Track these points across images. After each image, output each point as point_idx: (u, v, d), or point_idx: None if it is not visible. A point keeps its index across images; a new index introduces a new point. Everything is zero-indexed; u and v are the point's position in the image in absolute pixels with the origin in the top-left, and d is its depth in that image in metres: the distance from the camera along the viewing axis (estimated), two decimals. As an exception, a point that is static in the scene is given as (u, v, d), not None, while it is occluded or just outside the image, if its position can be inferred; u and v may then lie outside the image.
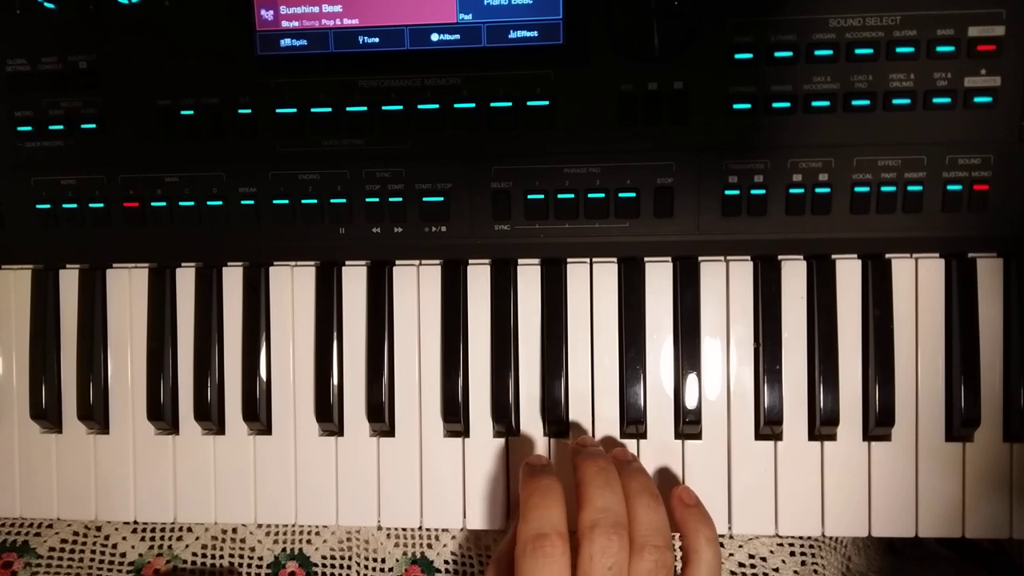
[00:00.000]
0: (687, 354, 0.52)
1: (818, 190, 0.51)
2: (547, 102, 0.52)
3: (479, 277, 0.54)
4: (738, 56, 0.50)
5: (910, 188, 0.50)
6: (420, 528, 0.55)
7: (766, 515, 0.52)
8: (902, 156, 0.50)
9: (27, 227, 0.56)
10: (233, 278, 0.56)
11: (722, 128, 0.51)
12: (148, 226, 0.55)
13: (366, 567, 0.58)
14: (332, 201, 0.53)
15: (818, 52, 0.49)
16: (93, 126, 0.54)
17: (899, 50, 0.49)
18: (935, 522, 0.51)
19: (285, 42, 0.53)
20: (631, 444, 0.53)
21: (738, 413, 0.52)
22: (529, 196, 0.52)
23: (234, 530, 0.59)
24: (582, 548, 0.40)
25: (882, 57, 0.49)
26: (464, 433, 0.54)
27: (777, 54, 0.50)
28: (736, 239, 0.52)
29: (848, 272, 0.52)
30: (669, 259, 0.53)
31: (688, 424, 0.52)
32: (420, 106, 0.52)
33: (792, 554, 0.55)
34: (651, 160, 0.52)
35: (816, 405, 0.51)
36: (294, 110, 0.53)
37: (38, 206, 0.55)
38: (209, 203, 0.54)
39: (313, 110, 0.53)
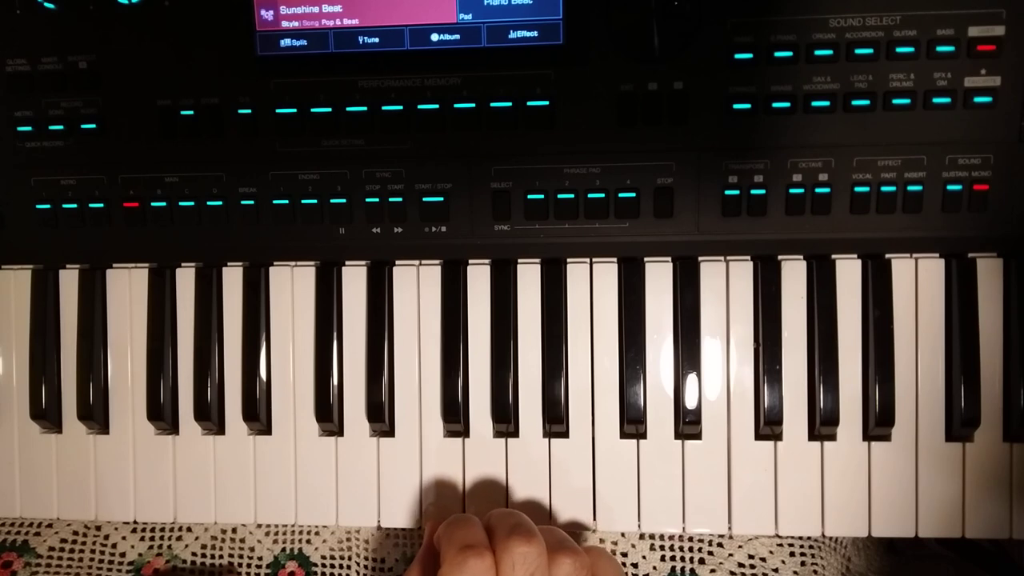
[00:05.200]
0: (687, 354, 0.52)
1: (818, 190, 0.51)
2: (547, 102, 0.52)
3: (479, 277, 0.54)
4: (738, 56, 0.50)
5: (910, 188, 0.50)
6: (420, 528, 0.55)
7: (766, 515, 0.52)
8: (902, 156, 0.50)
9: (27, 227, 0.56)
10: (233, 278, 0.56)
11: (722, 128, 0.51)
12: (148, 226, 0.55)
13: (366, 567, 0.58)
14: (332, 201, 0.53)
15: (818, 52, 0.49)
16: (93, 126, 0.54)
17: (899, 50, 0.49)
18: (935, 522, 0.51)
19: (285, 42, 0.53)
20: (631, 444, 0.53)
21: (738, 413, 0.52)
22: (529, 196, 0.52)
23: (234, 530, 0.59)
24: (503, 560, 0.40)
25: (882, 57, 0.49)
26: (464, 433, 0.54)
27: (777, 54, 0.50)
28: (736, 239, 0.52)
29: (848, 272, 0.52)
30: (669, 259, 0.53)
31: (688, 424, 0.52)
32: (420, 106, 0.52)
33: (792, 554, 0.55)
34: (651, 160, 0.52)
35: (816, 405, 0.51)
36: (294, 110, 0.53)
37: (38, 206, 0.55)
38: (209, 203, 0.54)
39: (313, 110, 0.53)
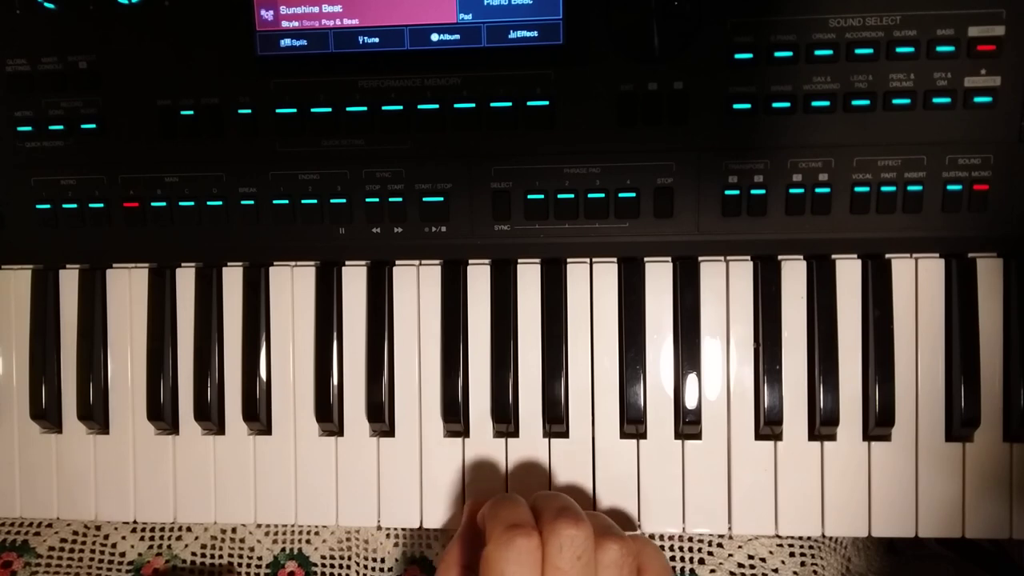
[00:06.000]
0: (687, 354, 0.52)
1: (818, 190, 0.51)
2: (547, 102, 0.52)
3: (479, 277, 0.54)
4: (738, 56, 0.50)
5: (910, 188, 0.50)
6: (420, 528, 0.55)
7: (766, 515, 0.52)
8: (902, 156, 0.50)
9: (27, 227, 0.56)
10: (233, 278, 0.56)
11: (722, 128, 0.51)
12: (148, 226, 0.55)
13: (366, 567, 0.58)
14: (332, 201, 0.53)
15: (818, 52, 0.49)
16: (93, 126, 0.54)
17: (899, 50, 0.49)
18: (935, 522, 0.51)
19: (285, 42, 0.53)
20: (631, 444, 0.53)
21: (738, 413, 0.52)
22: (529, 196, 0.52)
23: (233, 530, 0.59)
24: (550, 541, 0.40)
25: (882, 57, 0.49)
26: (464, 433, 0.54)
27: (777, 54, 0.50)
28: (736, 239, 0.52)
29: (848, 272, 0.52)
30: (669, 259, 0.53)
31: (688, 424, 0.52)
32: (420, 106, 0.52)
33: (792, 555, 0.55)
34: (651, 160, 0.52)
35: (816, 405, 0.51)
36: (294, 110, 0.53)
37: (38, 206, 0.55)
38: (209, 203, 0.54)
39: (313, 110, 0.53)
